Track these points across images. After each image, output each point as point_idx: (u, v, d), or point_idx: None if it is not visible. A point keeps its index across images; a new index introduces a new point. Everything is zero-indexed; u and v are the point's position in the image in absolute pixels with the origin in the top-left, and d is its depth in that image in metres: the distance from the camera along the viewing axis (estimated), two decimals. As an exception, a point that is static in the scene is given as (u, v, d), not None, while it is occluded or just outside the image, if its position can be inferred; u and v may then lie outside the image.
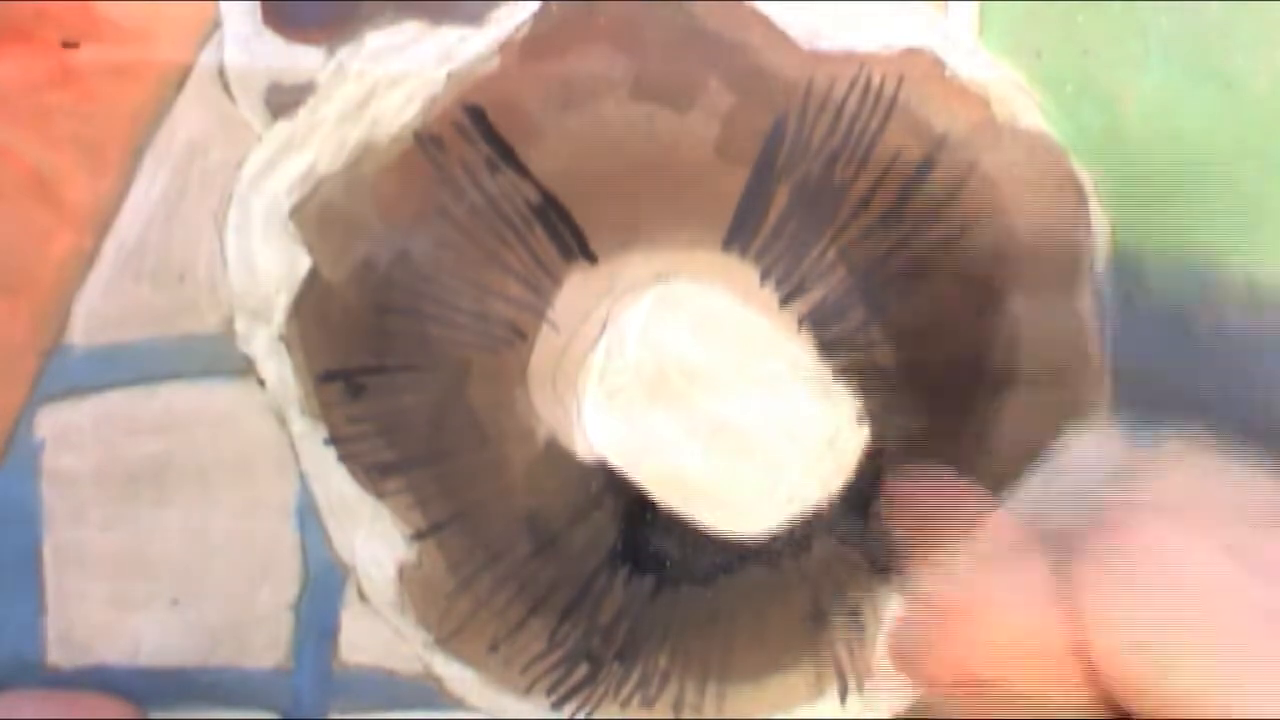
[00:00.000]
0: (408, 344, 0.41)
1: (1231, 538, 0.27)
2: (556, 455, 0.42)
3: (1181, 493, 0.28)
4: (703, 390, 0.41)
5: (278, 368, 0.41)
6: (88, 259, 0.41)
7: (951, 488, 0.29)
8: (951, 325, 0.40)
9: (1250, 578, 0.26)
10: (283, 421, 0.42)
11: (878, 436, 0.41)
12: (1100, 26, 0.39)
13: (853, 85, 0.39)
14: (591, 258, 0.41)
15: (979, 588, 0.28)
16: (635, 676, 0.42)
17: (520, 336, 0.41)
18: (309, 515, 0.42)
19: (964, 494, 0.29)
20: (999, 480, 0.41)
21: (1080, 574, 0.27)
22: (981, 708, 0.28)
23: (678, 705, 0.42)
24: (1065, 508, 0.30)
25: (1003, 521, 0.29)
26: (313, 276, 0.41)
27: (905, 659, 0.30)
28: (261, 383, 0.41)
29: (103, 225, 0.41)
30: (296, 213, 0.40)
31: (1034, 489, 0.30)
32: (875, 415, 0.41)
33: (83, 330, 0.41)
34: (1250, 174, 0.40)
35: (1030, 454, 0.41)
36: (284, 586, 0.43)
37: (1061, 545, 0.28)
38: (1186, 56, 0.40)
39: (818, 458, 0.41)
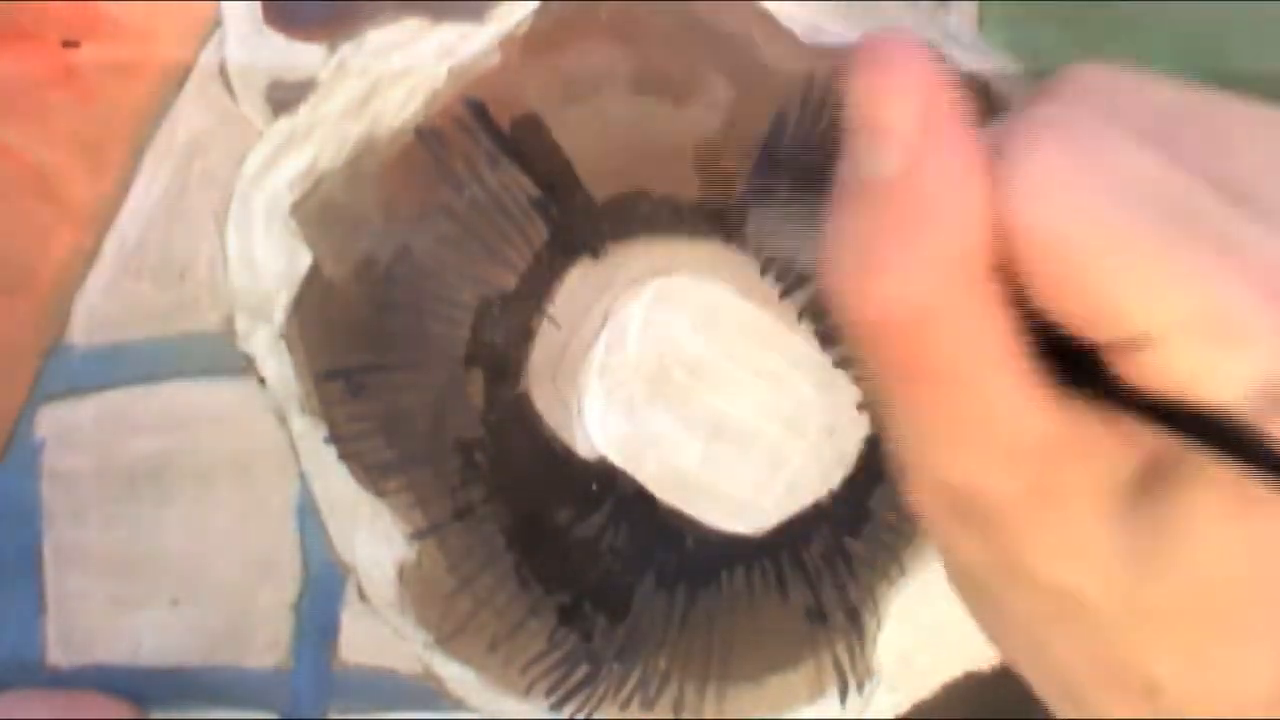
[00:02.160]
0: (409, 341, 0.41)
1: (1146, 124, 0.26)
2: (557, 453, 0.42)
3: (1090, 95, 0.27)
4: (703, 384, 0.41)
5: (278, 366, 0.41)
6: (88, 257, 0.41)
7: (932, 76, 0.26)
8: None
9: (1173, 172, 0.25)
10: (283, 420, 0.42)
11: (878, 425, 0.41)
12: (1100, 24, 0.40)
13: (853, 81, 0.39)
14: (592, 252, 0.41)
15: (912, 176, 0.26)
16: (635, 676, 0.42)
17: (521, 332, 0.41)
18: (309, 515, 0.42)
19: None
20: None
21: (1009, 147, 0.25)
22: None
23: (678, 705, 0.42)
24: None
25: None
26: (314, 273, 0.41)
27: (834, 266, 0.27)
28: (262, 381, 0.41)
29: (103, 223, 0.41)
30: (298, 209, 0.40)
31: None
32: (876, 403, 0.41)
33: (83, 329, 0.41)
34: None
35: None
36: (284, 586, 0.42)
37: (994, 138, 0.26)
38: (1186, 56, 0.40)
39: (818, 449, 0.41)
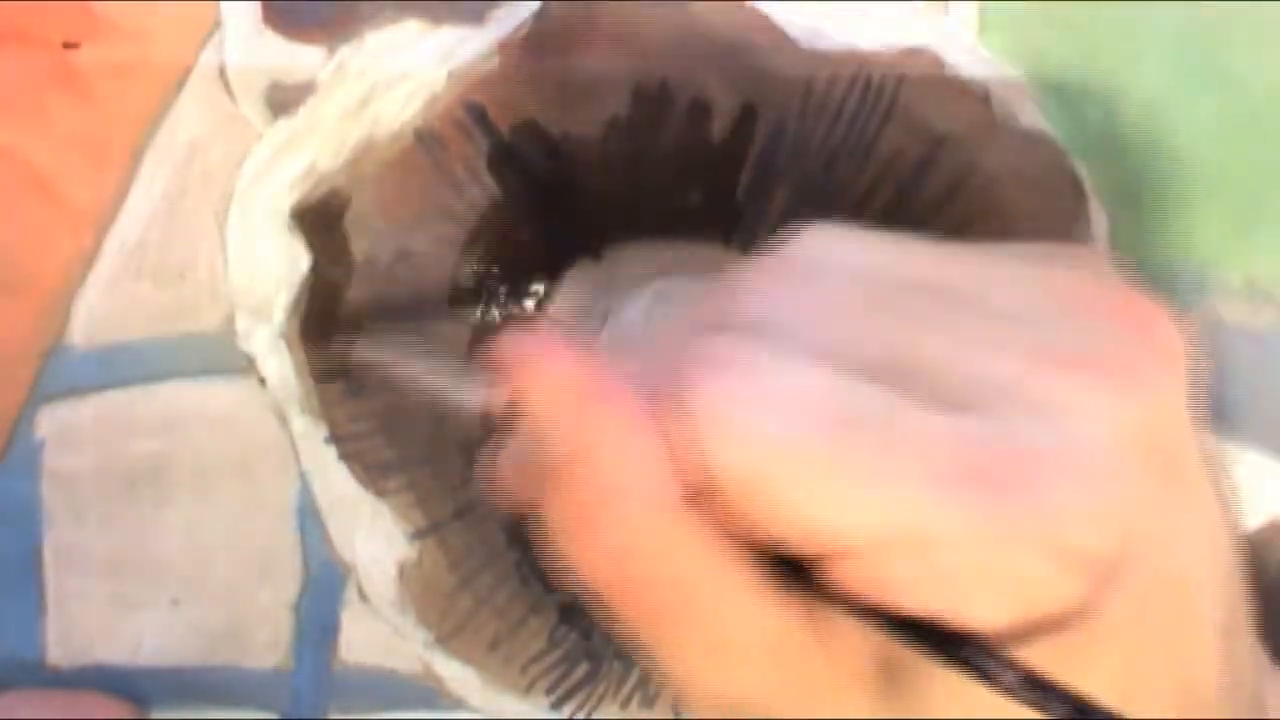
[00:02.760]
0: (408, 342, 0.41)
1: (815, 343, 0.27)
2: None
3: (758, 311, 0.28)
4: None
5: (278, 366, 0.41)
6: (88, 258, 0.41)
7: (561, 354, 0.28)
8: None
9: (838, 381, 0.26)
10: (283, 420, 0.42)
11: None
12: (1100, 26, 0.39)
13: (853, 84, 0.39)
14: (592, 254, 0.41)
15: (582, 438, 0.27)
16: (635, 675, 0.42)
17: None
18: (309, 514, 0.42)
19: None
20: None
21: (685, 402, 0.26)
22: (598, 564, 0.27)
23: (678, 705, 0.42)
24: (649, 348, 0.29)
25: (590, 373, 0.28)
26: (313, 274, 0.41)
27: (508, 484, 0.29)
28: (262, 381, 0.41)
29: (103, 224, 0.41)
30: (297, 211, 0.40)
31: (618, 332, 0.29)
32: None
33: (83, 330, 0.41)
34: (1250, 174, 0.40)
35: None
36: (284, 586, 0.42)
37: (654, 384, 0.27)
38: (1186, 56, 0.40)
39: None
